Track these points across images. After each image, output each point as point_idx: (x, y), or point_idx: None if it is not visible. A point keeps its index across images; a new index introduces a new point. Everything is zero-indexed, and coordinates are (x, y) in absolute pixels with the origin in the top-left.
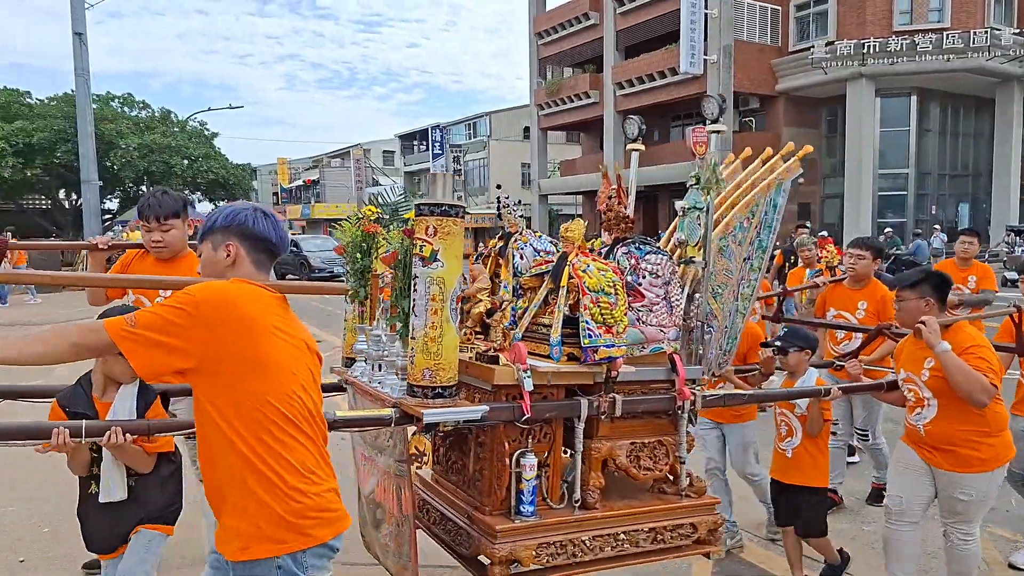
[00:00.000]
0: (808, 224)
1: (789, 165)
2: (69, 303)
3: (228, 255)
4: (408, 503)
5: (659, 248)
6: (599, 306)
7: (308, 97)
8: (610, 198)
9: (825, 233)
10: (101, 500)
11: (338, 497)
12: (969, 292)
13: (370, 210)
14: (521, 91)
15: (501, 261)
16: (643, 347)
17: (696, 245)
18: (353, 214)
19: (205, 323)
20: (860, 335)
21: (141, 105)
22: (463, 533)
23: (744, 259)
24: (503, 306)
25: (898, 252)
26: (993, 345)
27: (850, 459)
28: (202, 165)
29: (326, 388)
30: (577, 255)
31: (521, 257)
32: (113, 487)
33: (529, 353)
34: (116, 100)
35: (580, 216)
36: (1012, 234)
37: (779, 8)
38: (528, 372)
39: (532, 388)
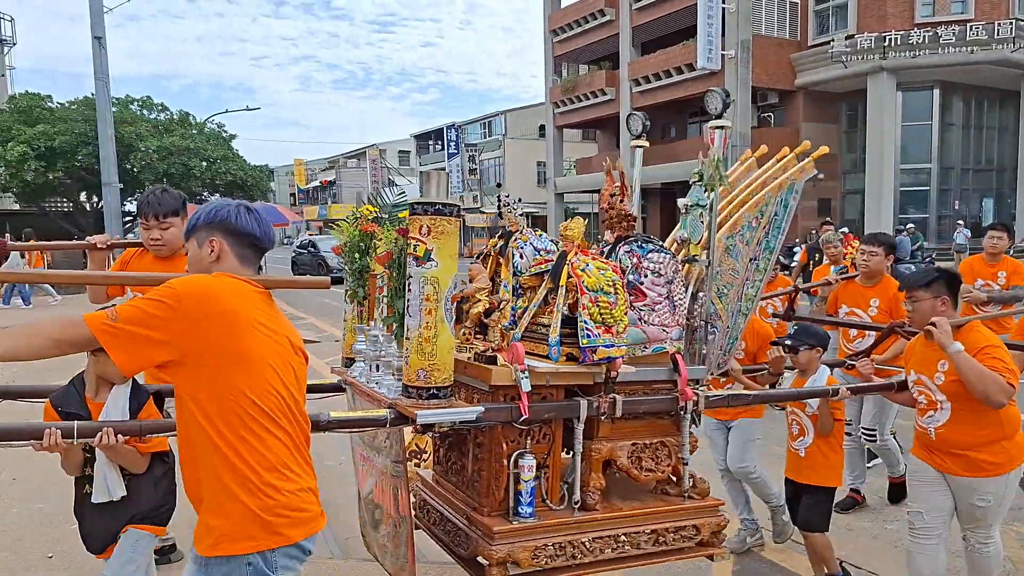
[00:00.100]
0: (830, 220)
1: (803, 165)
2: (90, 304)
3: (212, 251)
4: (405, 504)
5: (662, 246)
6: (598, 305)
7: (323, 98)
8: (612, 195)
9: (846, 229)
10: (94, 500)
11: (314, 497)
12: (999, 289)
13: (368, 209)
14: (536, 89)
15: (501, 260)
16: (645, 347)
17: (699, 243)
18: (351, 214)
19: (186, 316)
20: (873, 333)
21: (160, 108)
22: (462, 534)
23: (751, 259)
24: (501, 306)
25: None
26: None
27: (871, 462)
28: (220, 167)
29: (326, 388)
30: (576, 254)
31: (521, 256)
32: (111, 487)
33: (529, 353)
34: (135, 103)
35: (596, 215)
36: None
37: (798, 2)
38: (526, 373)
39: (530, 389)
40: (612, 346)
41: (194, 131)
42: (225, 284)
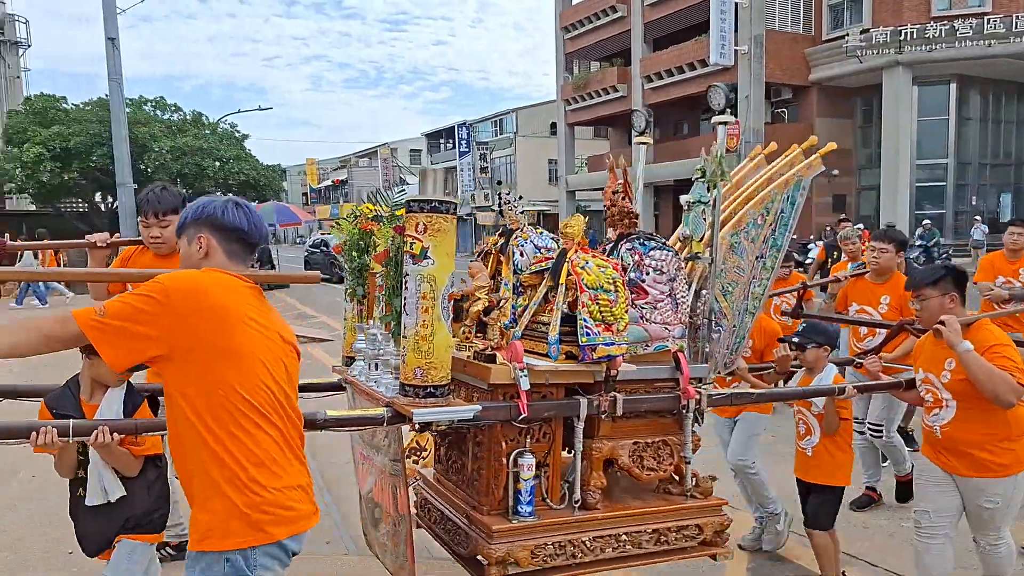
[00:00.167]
0: (847, 217)
1: (810, 161)
2: (93, 302)
3: (200, 247)
4: (404, 502)
5: (664, 244)
6: (598, 303)
7: (335, 97)
8: (615, 193)
9: (861, 226)
10: (88, 503)
11: (304, 495)
12: (1021, 286)
13: (367, 208)
14: (548, 87)
15: (502, 258)
16: (647, 345)
17: (701, 240)
18: (350, 212)
19: (175, 311)
20: (884, 330)
21: (173, 108)
22: (461, 533)
23: (757, 257)
24: (500, 304)
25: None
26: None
27: (887, 461)
28: (233, 167)
29: (327, 387)
30: (577, 251)
31: (521, 254)
32: (108, 488)
33: (529, 352)
34: (149, 104)
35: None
36: None
37: None
38: (524, 371)
39: (529, 387)
40: (612, 344)
41: (207, 131)
42: (214, 279)
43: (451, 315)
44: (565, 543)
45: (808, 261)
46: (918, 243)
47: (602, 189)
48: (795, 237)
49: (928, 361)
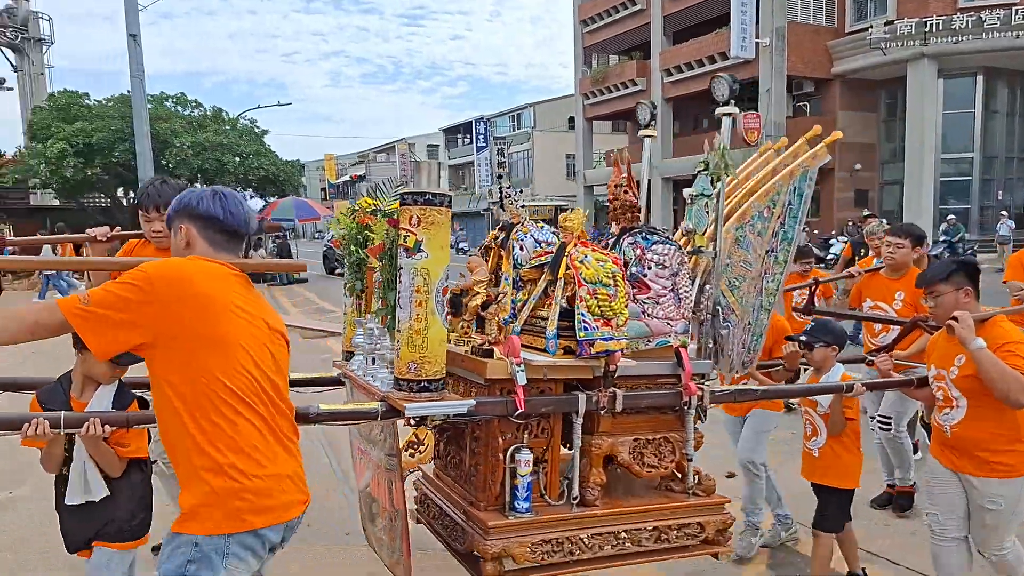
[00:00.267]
0: (873, 213)
1: (815, 151)
2: None
3: (182, 238)
4: (399, 497)
5: (667, 238)
6: (596, 298)
7: (353, 93)
8: (617, 186)
9: (884, 221)
10: (67, 502)
11: (290, 485)
12: None
13: (366, 202)
14: (566, 81)
15: (503, 253)
16: (648, 341)
17: (704, 234)
18: (349, 207)
19: (159, 299)
20: (898, 327)
21: (194, 104)
22: (459, 528)
23: (767, 252)
24: (498, 299)
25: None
26: None
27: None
28: (253, 162)
29: (327, 382)
30: (576, 245)
31: (521, 248)
32: (92, 486)
33: (527, 347)
34: (170, 100)
35: None
36: None
37: None
38: (521, 366)
39: (525, 382)
40: (611, 339)
41: (227, 127)
42: (198, 267)
43: (446, 309)
44: (563, 540)
45: (830, 257)
46: (942, 239)
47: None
48: (817, 232)
49: (940, 358)
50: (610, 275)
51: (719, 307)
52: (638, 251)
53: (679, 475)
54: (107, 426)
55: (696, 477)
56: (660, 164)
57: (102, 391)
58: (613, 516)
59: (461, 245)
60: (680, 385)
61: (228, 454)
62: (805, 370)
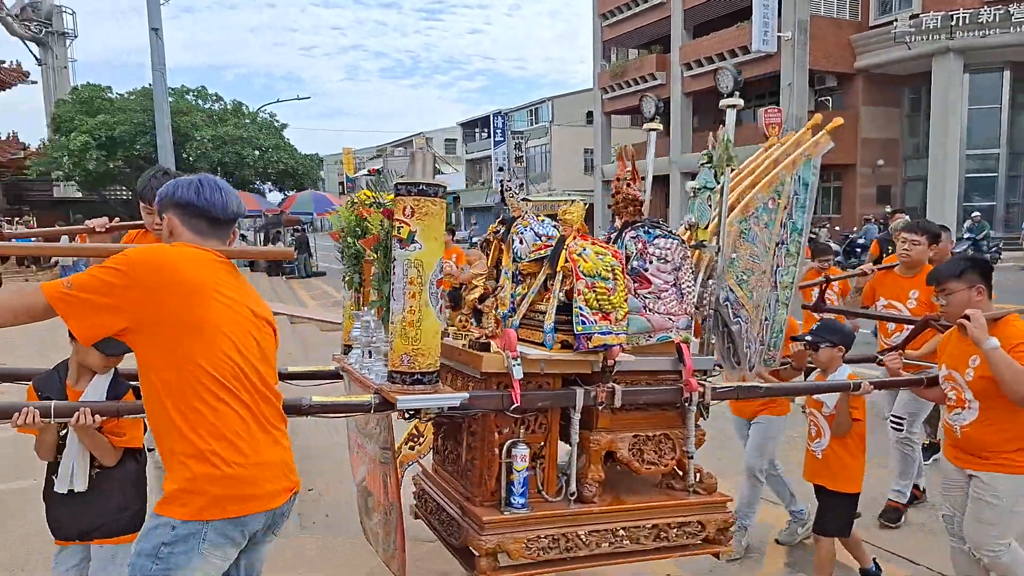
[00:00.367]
0: (901, 209)
1: (817, 139)
2: None
3: (166, 226)
4: (394, 490)
5: (670, 232)
6: (595, 291)
7: (371, 87)
8: (619, 180)
9: (907, 218)
10: (56, 489)
11: (276, 473)
12: None
13: (365, 194)
14: (584, 75)
15: (503, 247)
16: (649, 336)
17: (706, 227)
18: (348, 199)
19: (141, 284)
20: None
21: (214, 98)
22: (455, 523)
23: (777, 244)
24: (496, 292)
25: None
26: None
27: (929, 459)
28: (272, 156)
29: (326, 375)
30: (575, 238)
31: (521, 242)
32: (75, 477)
33: (526, 341)
34: (191, 93)
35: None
36: None
37: None
38: (517, 360)
39: (521, 376)
40: (609, 333)
41: (247, 120)
42: (183, 253)
43: (440, 301)
44: (559, 536)
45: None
46: (967, 236)
47: (644, 178)
48: (838, 228)
49: (952, 358)
50: (609, 268)
51: (728, 302)
52: (640, 245)
53: (680, 473)
54: (97, 416)
55: (697, 475)
56: (679, 159)
57: (97, 380)
58: (611, 513)
59: (475, 239)
60: (681, 381)
61: (210, 440)
62: (814, 371)
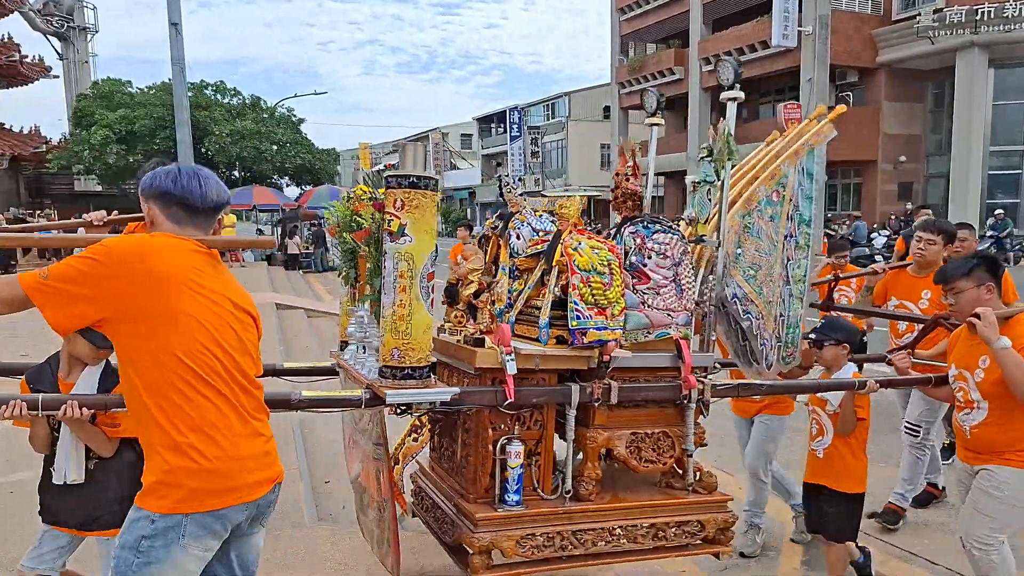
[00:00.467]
0: (926, 205)
1: (820, 128)
2: None
3: (149, 218)
4: (387, 487)
5: (670, 227)
6: (590, 286)
7: (388, 82)
8: (618, 175)
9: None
10: (54, 481)
11: (254, 465)
12: None
13: (361, 189)
14: (601, 70)
15: (502, 242)
16: (648, 332)
17: (706, 222)
18: (344, 194)
19: (117, 274)
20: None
21: (232, 92)
22: (449, 521)
23: (785, 237)
24: (491, 287)
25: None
26: None
27: (950, 459)
28: (290, 150)
29: (323, 371)
30: (571, 233)
31: (518, 237)
32: (68, 469)
33: (522, 336)
34: (210, 88)
35: (663, 199)
36: None
37: None
38: (511, 355)
39: (515, 372)
40: (605, 329)
41: (265, 115)
42: (159, 243)
43: (432, 295)
44: (554, 534)
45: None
46: (989, 233)
47: (656, 174)
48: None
49: (961, 357)
50: (605, 263)
51: (736, 299)
52: (638, 240)
53: (680, 471)
54: (85, 408)
55: (697, 474)
56: (697, 154)
57: (87, 372)
58: (607, 511)
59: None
60: (680, 378)
61: (187, 433)
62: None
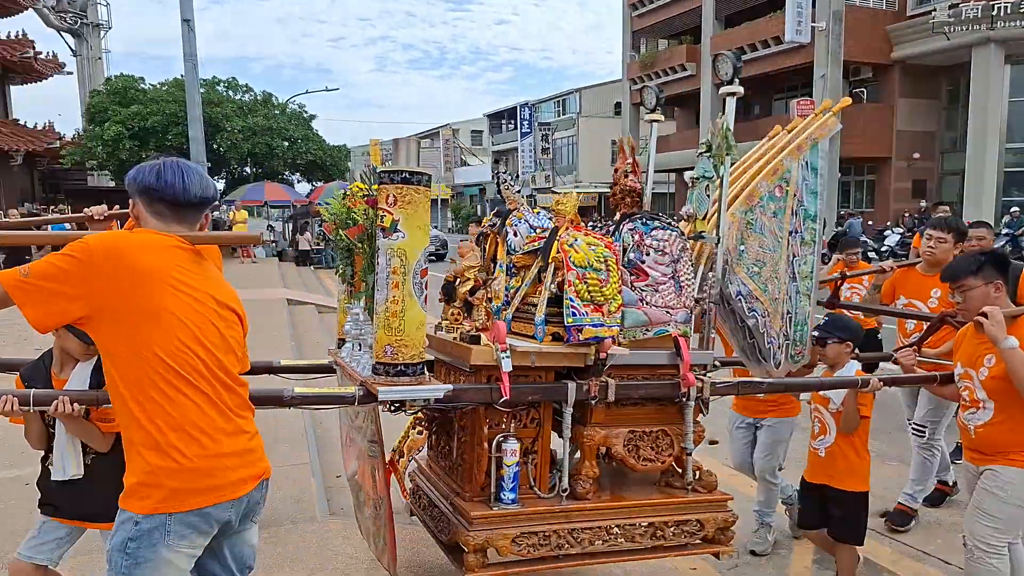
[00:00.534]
0: (943, 202)
1: (824, 121)
2: None
3: (133, 212)
4: (382, 484)
5: (669, 223)
6: (586, 283)
7: (399, 78)
8: (617, 171)
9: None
10: (54, 477)
11: (237, 462)
12: None
13: (357, 186)
14: (612, 66)
15: (499, 240)
16: (646, 330)
17: (705, 218)
18: (339, 191)
19: (98, 272)
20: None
21: (244, 89)
22: (445, 519)
23: (790, 233)
24: (487, 284)
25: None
26: None
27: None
28: (301, 147)
29: (320, 369)
30: (567, 229)
31: (515, 234)
32: (67, 464)
33: (518, 334)
34: (221, 84)
35: (673, 195)
36: None
37: None
38: (507, 352)
39: (511, 369)
40: (601, 326)
41: (276, 111)
42: (140, 239)
43: (426, 291)
44: (550, 533)
45: (884, 249)
46: (1005, 231)
47: (668, 171)
48: (871, 223)
49: (967, 356)
50: (601, 260)
51: (741, 296)
52: (637, 237)
53: (679, 470)
54: (77, 404)
55: (696, 472)
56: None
57: (79, 368)
58: (605, 510)
59: None
60: (679, 376)
61: (167, 432)
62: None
